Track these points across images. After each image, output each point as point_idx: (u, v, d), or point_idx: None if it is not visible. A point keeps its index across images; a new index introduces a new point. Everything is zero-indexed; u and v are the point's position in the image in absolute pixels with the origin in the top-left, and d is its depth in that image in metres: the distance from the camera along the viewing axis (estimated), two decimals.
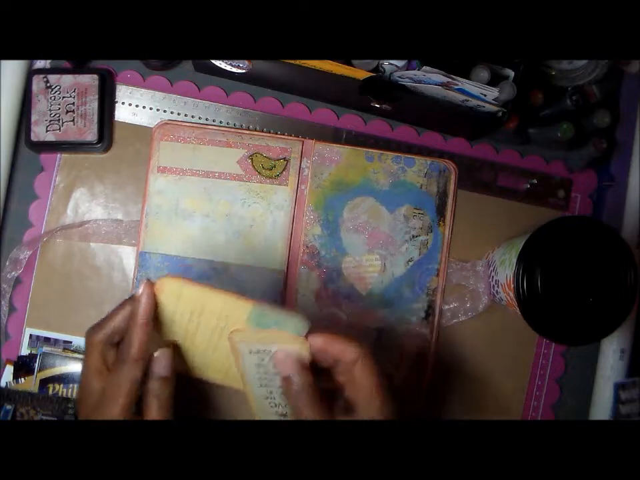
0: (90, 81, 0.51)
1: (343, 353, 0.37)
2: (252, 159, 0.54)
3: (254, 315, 0.35)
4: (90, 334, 0.37)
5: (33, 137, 0.51)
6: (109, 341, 0.37)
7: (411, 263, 0.55)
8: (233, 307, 0.36)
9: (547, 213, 0.57)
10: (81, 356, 0.51)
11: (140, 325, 0.36)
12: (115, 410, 0.35)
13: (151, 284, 0.36)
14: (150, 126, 0.53)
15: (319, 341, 0.36)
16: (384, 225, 0.55)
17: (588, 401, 0.57)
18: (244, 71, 0.52)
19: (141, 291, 0.36)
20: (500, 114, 0.50)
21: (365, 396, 0.37)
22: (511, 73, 0.50)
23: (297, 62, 0.47)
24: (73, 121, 0.51)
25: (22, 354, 0.51)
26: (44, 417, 0.50)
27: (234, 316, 0.36)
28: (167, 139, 0.53)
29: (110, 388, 0.36)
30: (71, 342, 0.52)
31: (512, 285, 0.47)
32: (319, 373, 0.38)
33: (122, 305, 0.38)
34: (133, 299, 0.37)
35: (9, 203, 0.53)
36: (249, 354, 0.37)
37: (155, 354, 0.38)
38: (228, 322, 0.36)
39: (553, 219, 0.47)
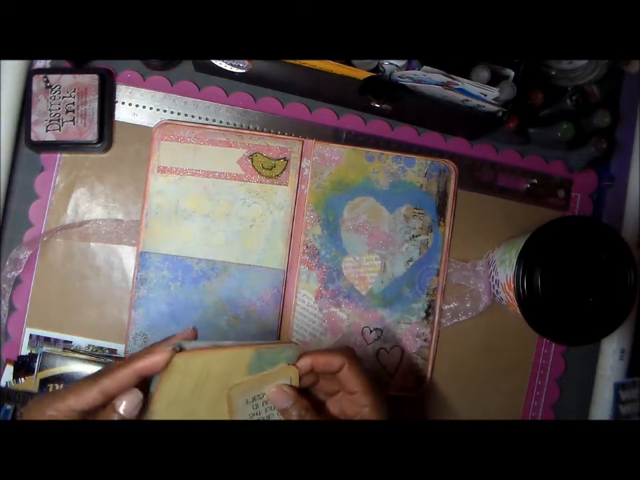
0: (90, 80, 0.51)
1: (330, 363, 0.39)
2: (252, 158, 0.54)
3: (254, 359, 0.37)
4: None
5: (33, 137, 0.51)
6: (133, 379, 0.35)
7: (411, 263, 0.55)
8: (235, 358, 0.37)
9: (547, 213, 0.57)
10: (80, 356, 0.51)
11: (133, 366, 0.35)
12: (50, 411, 0.35)
13: (172, 354, 0.35)
14: (150, 126, 0.53)
15: (307, 361, 0.39)
16: (384, 225, 0.55)
17: (588, 401, 0.57)
18: (244, 70, 0.52)
19: (163, 351, 0.35)
20: (500, 114, 0.50)
21: (357, 397, 0.40)
22: (511, 73, 0.50)
23: (297, 62, 0.47)
24: (73, 120, 0.51)
25: (22, 354, 0.51)
26: None
27: (236, 366, 0.37)
28: (167, 139, 0.53)
29: (64, 393, 0.35)
30: (71, 342, 0.52)
31: (512, 285, 0.47)
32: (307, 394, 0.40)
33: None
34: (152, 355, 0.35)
35: (9, 203, 0.53)
36: (245, 404, 0.38)
37: (126, 394, 0.35)
38: (230, 378, 0.37)
39: (553, 219, 0.47)
